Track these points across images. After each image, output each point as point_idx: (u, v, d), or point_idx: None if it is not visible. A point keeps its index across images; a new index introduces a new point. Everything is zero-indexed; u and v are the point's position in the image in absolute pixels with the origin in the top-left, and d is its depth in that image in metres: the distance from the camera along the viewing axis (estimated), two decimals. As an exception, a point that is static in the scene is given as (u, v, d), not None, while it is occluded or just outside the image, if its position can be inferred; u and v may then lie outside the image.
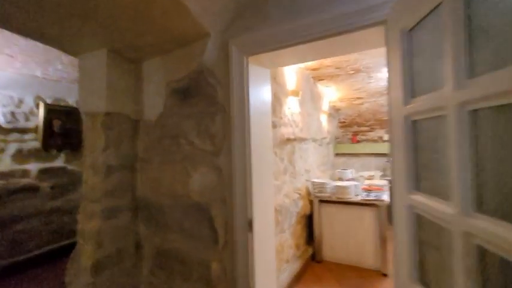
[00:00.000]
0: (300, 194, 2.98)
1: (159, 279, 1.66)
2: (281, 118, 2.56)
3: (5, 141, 3.01)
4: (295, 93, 2.80)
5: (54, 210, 3.32)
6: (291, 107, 2.84)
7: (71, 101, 3.69)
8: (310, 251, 3.07)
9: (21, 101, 3.17)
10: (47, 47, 2.99)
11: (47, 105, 3.36)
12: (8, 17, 1.33)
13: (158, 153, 1.73)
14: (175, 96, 1.66)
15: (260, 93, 1.56)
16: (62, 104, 3.55)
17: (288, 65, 1.66)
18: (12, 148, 3.06)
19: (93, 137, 1.77)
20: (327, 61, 2.98)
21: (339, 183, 3.14)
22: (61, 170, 3.47)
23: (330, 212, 3.01)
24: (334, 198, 2.99)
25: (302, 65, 3.09)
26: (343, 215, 2.96)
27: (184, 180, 1.55)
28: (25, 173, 3.11)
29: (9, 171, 2.97)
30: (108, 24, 1.38)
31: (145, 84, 1.87)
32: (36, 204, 3.16)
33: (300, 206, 2.95)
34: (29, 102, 3.24)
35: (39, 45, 2.89)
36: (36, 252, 3.09)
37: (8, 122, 3.04)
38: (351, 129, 5.71)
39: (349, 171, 4.01)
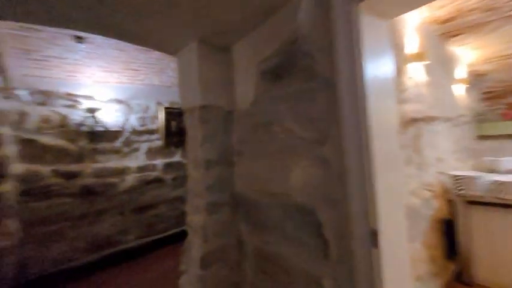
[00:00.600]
0: (432, 191, 2.25)
1: (263, 285, 1.50)
2: (400, 92, 1.94)
3: (139, 141, 3.67)
4: (418, 57, 2.09)
5: (176, 198, 3.85)
6: (414, 76, 2.14)
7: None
8: (452, 268, 2.30)
9: (147, 107, 3.79)
10: (160, 57, 3.43)
11: (165, 109, 3.89)
12: (119, 26, 1.43)
13: (252, 144, 1.57)
14: (266, 78, 1.43)
15: (377, 56, 1.11)
16: (176, 106, 4.04)
17: (419, 6, 1.13)
18: (144, 147, 3.71)
19: (192, 132, 1.79)
20: (471, 2, 2.08)
21: (500, 177, 2.18)
22: (179, 164, 3.98)
23: (485, 217, 2.14)
24: (490, 199, 2.10)
25: (426, 18, 2.29)
26: (508, 223, 2.04)
27: (281, 176, 1.31)
28: (154, 167, 3.71)
29: (144, 166, 3.60)
30: (195, 7, 1.27)
31: (235, 72, 1.74)
32: (163, 193, 3.73)
33: (433, 208, 2.22)
34: (152, 107, 3.84)
35: (153, 57, 3.34)
36: (168, 233, 3.65)
37: (140, 126, 3.68)
38: (503, 101, 4.07)
39: (506, 159, 2.81)
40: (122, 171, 3.40)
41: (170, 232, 3.68)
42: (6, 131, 2.60)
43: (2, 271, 2.16)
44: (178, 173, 3.94)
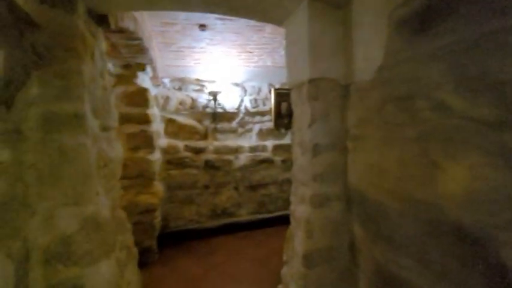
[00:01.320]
0: None
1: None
2: None
3: (252, 122, 3.82)
4: None
5: (285, 181, 3.82)
6: None
7: (293, 83, 3.98)
8: None
9: (260, 89, 3.85)
10: (272, 36, 3.34)
11: (276, 90, 3.84)
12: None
13: (375, 127, 1.17)
14: (404, 30, 0.98)
15: None
16: (287, 87, 3.91)
17: None
18: (256, 128, 3.83)
19: (299, 112, 1.56)
20: None
21: None
22: (288, 146, 3.90)
23: None
24: None
25: None
26: None
27: (424, 176, 0.88)
28: (264, 148, 3.79)
29: (255, 146, 3.74)
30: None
31: (355, 33, 1.34)
32: (272, 174, 3.78)
33: None
34: (264, 89, 3.87)
35: (266, 36, 3.27)
36: (276, 214, 3.72)
37: (253, 107, 3.81)
38: None
39: None
40: (236, 150, 3.65)
41: (278, 213, 3.73)
42: (156, 111, 3.25)
43: (153, 222, 2.78)
44: (287, 155, 3.87)
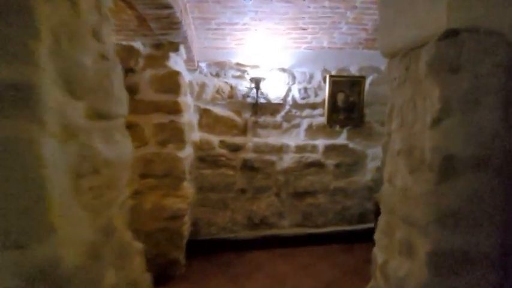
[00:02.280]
0: None
1: None
2: None
3: (300, 116, 3.17)
4: None
5: (338, 190, 3.12)
6: None
7: (353, 69, 3.22)
8: None
9: (311, 77, 3.17)
10: (334, 5, 2.62)
11: (331, 78, 3.13)
12: None
13: None
14: None
15: None
16: (345, 74, 3.17)
17: None
18: (305, 123, 3.18)
19: (405, 96, 0.89)
20: None
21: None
22: (343, 148, 3.17)
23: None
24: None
25: None
26: None
27: None
28: (314, 148, 3.13)
29: (303, 145, 3.10)
30: None
31: None
32: (322, 181, 3.11)
33: None
34: (317, 76, 3.18)
35: (326, 6, 2.58)
36: (324, 230, 3.05)
37: (302, 98, 3.15)
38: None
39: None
40: (279, 149, 3.05)
41: (327, 229, 3.05)
42: (189, 100, 2.81)
43: (181, 230, 2.36)
44: (342, 158, 3.15)
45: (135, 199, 2.24)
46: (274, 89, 3.09)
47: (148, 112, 2.36)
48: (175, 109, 2.41)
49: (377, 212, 2.17)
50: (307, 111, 3.18)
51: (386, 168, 1.02)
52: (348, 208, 3.11)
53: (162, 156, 2.33)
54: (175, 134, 2.39)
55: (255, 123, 3.07)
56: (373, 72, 3.23)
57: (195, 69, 2.96)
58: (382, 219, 1.06)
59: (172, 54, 2.43)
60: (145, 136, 2.34)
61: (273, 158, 3.02)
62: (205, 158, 2.91)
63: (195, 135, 2.90)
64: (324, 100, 3.17)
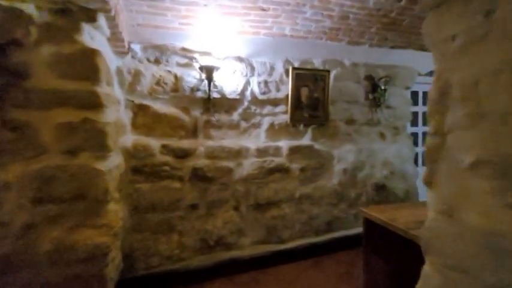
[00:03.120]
0: None
1: None
2: None
3: (260, 114, 2.73)
4: None
5: (305, 197, 2.76)
6: None
7: (317, 62, 2.91)
8: None
9: (272, 68, 2.76)
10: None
11: (295, 70, 2.76)
12: None
13: None
14: None
15: None
16: (309, 67, 2.83)
17: None
18: (266, 122, 2.74)
19: (495, 63, 0.48)
20: None
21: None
22: (308, 149, 2.84)
23: None
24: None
25: None
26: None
27: None
28: (277, 151, 2.71)
29: (264, 148, 2.66)
30: None
31: None
32: (287, 188, 2.71)
33: None
34: (279, 68, 2.78)
35: (291, -18, 2.18)
36: (291, 245, 2.65)
37: (263, 93, 2.71)
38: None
39: None
40: (238, 154, 2.55)
41: (294, 244, 2.66)
42: (117, 92, 2.11)
43: (103, 272, 1.67)
44: (307, 161, 2.81)
45: (24, 237, 1.49)
46: (230, 82, 2.58)
47: (48, 107, 1.61)
48: (93, 103, 1.70)
49: (368, 234, 1.80)
50: (268, 108, 2.75)
51: (438, 191, 0.62)
52: (315, 217, 2.78)
53: (70, 171, 1.61)
54: (92, 138, 1.69)
55: (207, 122, 2.51)
56: (336, 66, 2.98)
57: (125, 53, 2.26)
58: (428, 272, 0.65)
59: (86, 26, 1.72)
60: (43, 142, 1.59)
61: (230, 164, 2.51)
62: (142, 168, 2.23)
63: (127, 138, 2.21)
64: (286, 96, 2.79)
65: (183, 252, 2.34)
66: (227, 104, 2.59)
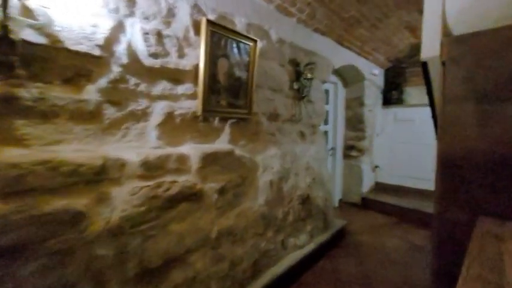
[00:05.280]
0: None
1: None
2: None
3: (147, 95, 1.43)
4: None
5: (225, 235, 1.73)
6: None
7: (239, 24, 1.91)
8: None
9: (171, 12, 1.50)
10: None
11: (211, 25, 1.63)
12: None
13: None
14: None
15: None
16: (230, 27, 1.78)
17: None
18: (159, 111, 1.48)
19: None
20: None
21: None
22: (228, 158, 1.82)
23: None
24: None
25: None
26: None
27: None
28: (181, 164, 1.52)
29: (157, 160, 1.39)
30: None
31: None
32: (199, 227, 1.58)
33: None
34: (184, 15, 1.56)
35: None
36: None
37: (152, 55, 1.42)
38: None
39: None
40: (97, 175, 1.17)
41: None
42: None
43: None
44: (228, 176, 1.79)
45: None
46: (75, 16, 1.13)
47: None
48: None
49: None
50: (163, 86, 1.50)
51: None
52: (239, 261, 1.83)
53: None
54: None
55: (9, 102, 0.97)
56: (262, 37, 2.10)
57: None
58: None
59: None
60: None
61: (78, 203, 1.10)
62: None
63: None
64: (195, 67, 1.63)
65: None
66: (67, 65, 1.13)
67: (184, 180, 1.51)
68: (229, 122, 1.90)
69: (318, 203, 2.68)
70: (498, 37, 1.30)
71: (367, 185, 4.26)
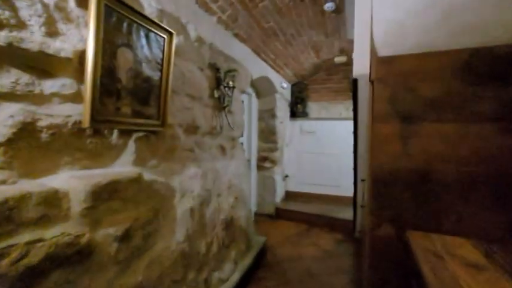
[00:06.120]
0: None
1: None
2: None
3: (-23, 92, 0.80)
4: None
5: (129, 301, 1.20)
6: None
7: (150, 7, 1.46)
8: None
9: (32, -40, 0.92)
10: None
11: (106, -2, 1.13)
12: None
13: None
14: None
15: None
16: (136, 7, 1.31)
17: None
18: (3, 120, 0.85)
19: None
20: None
21: None
22: (134, 186, 1.31)
23: None
24: None
25: None
26: None
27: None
28: (50, 208, 0.93)
29: (6, 203, 0.78)
30: None
31: None
32: (84, 301, 1.01)
33: None
34: (58, -28, 1.00)
35: None
36: None
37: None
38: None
39: None
40: None
41: None
42: None
43: None
44: (134, 213, 1.28)
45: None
46: None
47: None
48: None
49: None
50: (13, 77, 0.88)
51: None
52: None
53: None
54: None
55: None
56: (179, 32, 1.70)
57: None
58: None
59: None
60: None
61: None
62: None
63: None
64: (80, 55, 1.08)
65: None
66: None
67: (58, 234, 0.92)
68: (135, 136, 1.39)
69: (241, 224, 2.43)
70: (414, 62, 1.42)
71: (280, 195, 4.37)
